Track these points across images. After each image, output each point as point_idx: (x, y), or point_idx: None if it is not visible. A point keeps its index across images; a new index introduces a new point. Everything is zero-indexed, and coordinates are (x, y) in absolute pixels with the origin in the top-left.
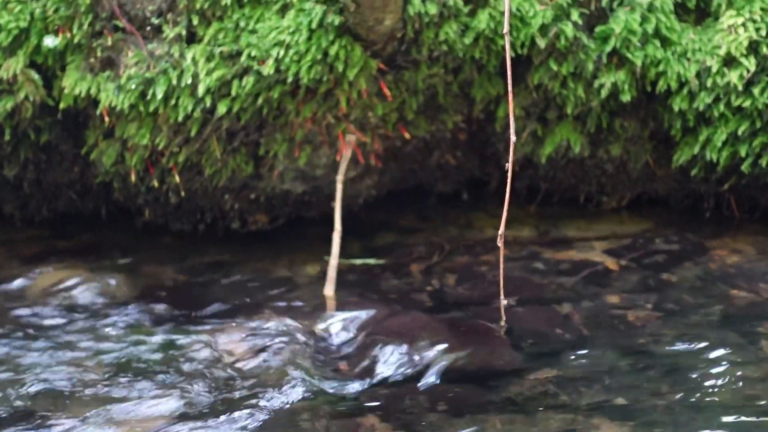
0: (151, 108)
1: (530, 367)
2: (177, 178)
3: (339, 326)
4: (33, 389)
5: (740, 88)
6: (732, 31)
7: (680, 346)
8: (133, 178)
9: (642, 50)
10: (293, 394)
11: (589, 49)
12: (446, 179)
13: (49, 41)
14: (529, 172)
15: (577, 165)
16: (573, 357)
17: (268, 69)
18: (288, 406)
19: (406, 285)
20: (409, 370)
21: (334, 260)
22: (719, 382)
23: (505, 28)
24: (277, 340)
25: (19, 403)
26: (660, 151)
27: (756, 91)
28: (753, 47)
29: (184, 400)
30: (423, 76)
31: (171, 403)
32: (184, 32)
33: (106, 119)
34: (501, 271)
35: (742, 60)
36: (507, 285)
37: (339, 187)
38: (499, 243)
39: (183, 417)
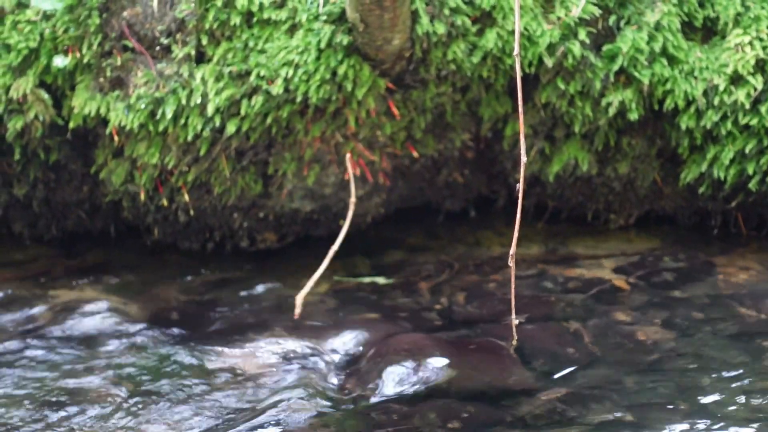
0: (161, 127)
1: (541, 385)
2: (186, 197)
3: (348, 344)
4: (42, 409)
5: (747, 106)
6: (739, 50)
7: (689, 364)
8: (142, 197)
9: (649, 69)
10: (302, 413)
11: (597, 68)
12: (454, 197)
13: (59, 61)
14: (537, 190)
15: (584, 183)
16: (583, 375)
17: (277, 88)
18: (297, 425)
19: (415, 303)
20: (418, 388)
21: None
22: (728, 399)
23: (516, 50)
24: (286, 358)
25: (30, 423)
26: (667, 169)
27: (763, 109)
28: (760, 65)
29: (194, 422)
30: (431, 95)
31: (181, 425)
32: (193, 52)
33: (116, 138)
34: (512, 290)
35: (749, 78)
36: (516, 303)
37: (351, 208)
38: (510, 263)
39: None
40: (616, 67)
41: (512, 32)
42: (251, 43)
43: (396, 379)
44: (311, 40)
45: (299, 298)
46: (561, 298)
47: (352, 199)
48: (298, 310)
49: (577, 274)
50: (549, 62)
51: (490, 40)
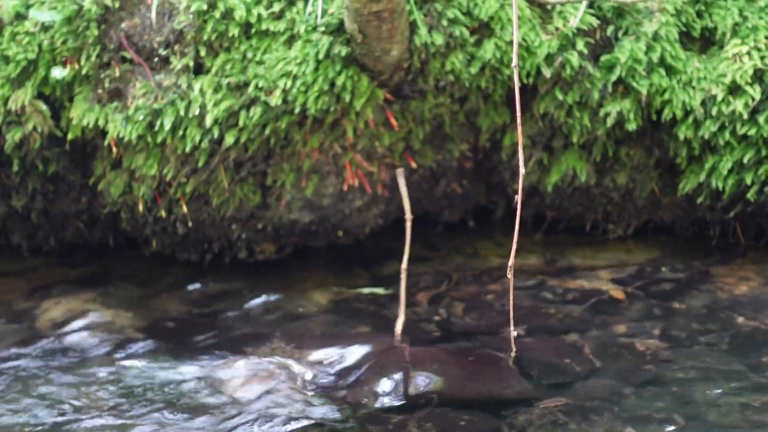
0: (159, 139)
1: (539, 396)
2: (184, 209)
3: (346, 355)
4: (38, 421)
5: (745, 116)
6: (737, 60)
7: (688, 375)
8: (140, 208)
9: (647, 79)
10: (298, 425)
11: (595, 78)
12: (452, 208)
13: (57, 72)
14: (535, 200)
15: (583, 193)
16: (582, 386)
17: (275, 99)
18: None
19: (414, 314)
20: (416, 399)
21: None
22: (727, 410)
23: (514, 61)
24: (282, 370)
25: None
26: (665, 180)
27: (761, 119)
28: (758, 75)
29: None
30: (429, 105)
31: None
32: (191, 63)
33: (114, 150)
34: (511, 301)
35: (747, 88)
36: (515, 314)
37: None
38: (509, 274)
39: None
40: (614, 78)
41: (510, 43)
42: (249, 55)
43: (393, 390)
44: (309, 51)
45: (398, 327)
46: (560, 309)
47: (408, 216)
48: (398, 338)
49: (575, 285)
50: (547, 73)
51: (489, 50)
